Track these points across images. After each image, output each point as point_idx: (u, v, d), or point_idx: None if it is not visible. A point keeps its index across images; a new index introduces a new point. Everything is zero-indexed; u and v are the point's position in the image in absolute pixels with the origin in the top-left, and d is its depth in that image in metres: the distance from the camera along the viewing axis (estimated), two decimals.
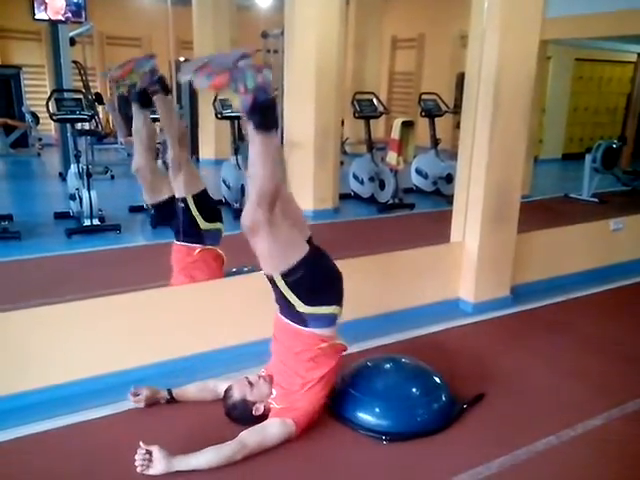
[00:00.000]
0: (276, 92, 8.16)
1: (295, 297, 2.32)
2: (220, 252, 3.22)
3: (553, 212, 5.80)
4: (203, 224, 3.07)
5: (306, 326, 2.36)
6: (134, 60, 2.91)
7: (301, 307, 2.34)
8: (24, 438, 2.37)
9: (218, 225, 3.17)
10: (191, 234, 3.09)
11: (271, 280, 2.34)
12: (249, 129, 2.07)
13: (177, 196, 3.07)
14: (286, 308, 2.39)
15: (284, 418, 2.30)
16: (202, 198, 3.10)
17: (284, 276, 2.29)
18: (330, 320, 2.40)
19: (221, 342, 3.08)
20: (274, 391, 2.42)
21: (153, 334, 2.96)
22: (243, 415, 2.40)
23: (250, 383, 2.42)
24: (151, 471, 2.12)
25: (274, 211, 2.18)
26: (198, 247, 3.12)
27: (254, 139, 2.07)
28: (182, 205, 3.05)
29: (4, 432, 2.39)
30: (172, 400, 2.58)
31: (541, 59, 5.19)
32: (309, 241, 2.47)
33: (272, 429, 2.28)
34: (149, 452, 2.13)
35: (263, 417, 2.37)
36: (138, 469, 2.11)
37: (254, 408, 2.38)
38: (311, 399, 2.38)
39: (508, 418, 2.62)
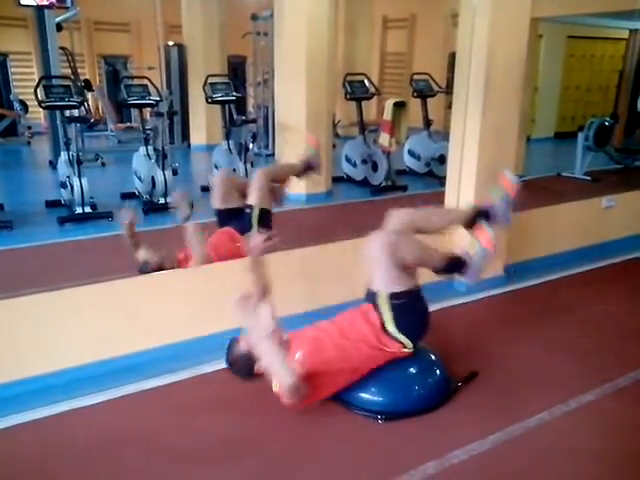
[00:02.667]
0: (267, 75, 8.13)
1: (390, 317, 2.43)
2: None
3: (546, 191, 5.80)
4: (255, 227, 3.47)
5: (385, 333, 2.46)
6: None
7: (390, 326, 2.44)
8: (19, 426, 2.38)
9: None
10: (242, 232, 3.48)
11: (374, 297, 2.46)
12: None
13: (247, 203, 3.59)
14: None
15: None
16: (265, 214, 3.58)
17: (391, 297, 2.42)
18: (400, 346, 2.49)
19: (214, 328, 3.08)
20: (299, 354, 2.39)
21: (147, 320, 2.96)
22: (244, 368, 2.40)
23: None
24: (247, 319, 2.27)
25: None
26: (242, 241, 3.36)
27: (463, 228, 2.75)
28: (248, 211, 3.55)
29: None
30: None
31: (532, 37, 5.16)
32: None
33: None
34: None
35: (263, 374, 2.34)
36: (235, 304, 2.26)
37: (257, 364, 2.33)
38: (329, 381, 2.40)
39: (501, 395, 2.65)
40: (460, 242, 2.80)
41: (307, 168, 3.93)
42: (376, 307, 2.47)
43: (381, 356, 2.48)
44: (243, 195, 3.66)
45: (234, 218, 3.58)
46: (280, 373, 2.21)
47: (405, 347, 2.49)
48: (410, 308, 2.48)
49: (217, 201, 3.61)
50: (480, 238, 2.66)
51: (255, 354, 2.31)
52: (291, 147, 5.74)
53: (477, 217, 2.72)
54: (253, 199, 3.56)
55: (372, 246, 2.42)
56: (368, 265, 2.47)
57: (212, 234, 3.45)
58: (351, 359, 2.43)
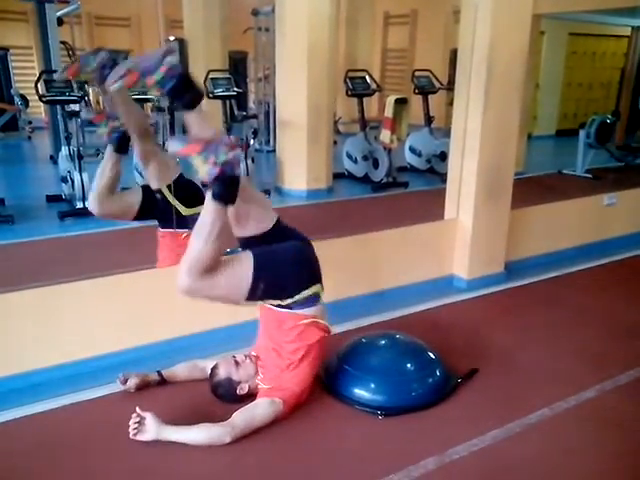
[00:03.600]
0: (268, 71, 8.11)
1: (272, 301, 2.35)
2: None
3: (547, 188, 5.79)
4: (185, 210, 2.96)
5: (290, 309, 2.36)
6: (80, 57, 2.74)
7: (282, 302, 2.35)
8: (16, 420, 2.38)
9: (199, 209, 3.03)
10: (175, 221, 2.98)
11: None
12: (207, 198, 2.17)
13: (153, 188, 2.96)
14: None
15: (272, 397, 2.32)
16: (178, 185, 2.96)
17: (250, 299, 2.30)
18: (312, 300, 2.38)
19: (215, 323, 3.09)
20: (261, 372, 2.44)
21: (148, 315, 2.97)
22: (227, 393, 2.42)
23: (236, 362, 2.44)
24: (142, 436, 2.18)
25: (206, 274, 2.17)
26: (185, 232, 2.96)
27: (207, 207, 2.17)
28: (159, 196, 2.95)
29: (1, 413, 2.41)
30: (163, 382, 2.59)
31: (534, 34, 5.15)
32: (250, 240, 2.40)
33: (260, 409, 2.29)
34: (142, 418, 2.19)
35: (247, 397, 2.39)
36: (130, 434, 2.17)
37: (239, 387, 2.40)
38: (298, 379, 2.39)
39: (502, 392, 2.65)
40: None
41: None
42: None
43: (304, 332, 2.37)
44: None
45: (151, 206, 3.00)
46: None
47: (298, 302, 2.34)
48: (273, 280, 2.31)
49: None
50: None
51: (234, 379, 2.37)
52: (292, 143, 5.75)
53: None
54: (153, 183, 2.96)
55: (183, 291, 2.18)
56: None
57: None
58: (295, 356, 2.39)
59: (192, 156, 2.12)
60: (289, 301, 2.34)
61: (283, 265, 2.36)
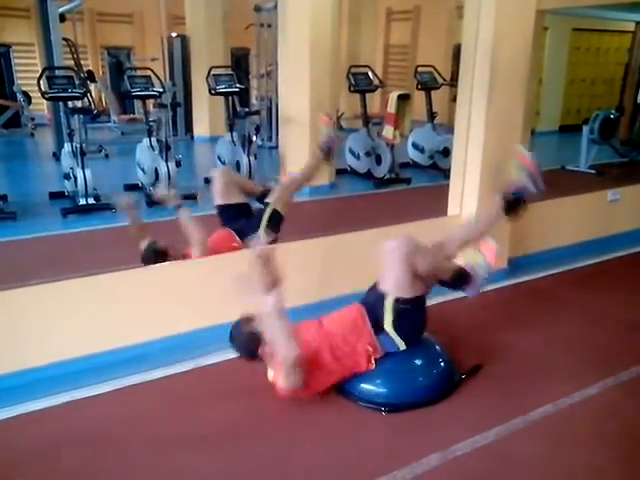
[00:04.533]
0: (270, 67, 8.10)
1: (391, 319, 2.48)
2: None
3: (550, 184, 5.74)
4: (262, 231, 3.42)
5: (377, 335, 2.50)
6: None
7: (388, 326, 2.49)
8: (23, 415, 2.39)
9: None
10: (245, 234, 3.37)
11: (379, 296, 2.50)
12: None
13: (268, 200, 3.54)
14: (373, 315, 2.53)
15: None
16: (274, 217, 3.50)
17: (397, 301, 2.46)
18: (391, 346, 2.52)
19: (216, 319, 3.08)
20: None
21: (151, 311, 2.97)
22: (246, 344, 2.42)
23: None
24: (249, 295, 2.29)
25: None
26: (238, 245, 3.38)
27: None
28: (262, 207, 3.54)
29: (2, 410, 2.42)
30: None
31: (538, 30, 5.11)
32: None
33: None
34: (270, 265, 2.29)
35: (260, 359, 2.42)
36: (238, 283, 2.28)
37: (262, 347, 2.38)
38: (321, 369, 2.41)
39: (505, 388, 2.65)
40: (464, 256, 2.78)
41: (328, 151, 3.87)
42: (374, 308, 2.52)
43: (365, 361, 2.49)
44: (244, 192, 3.63)
45: (236, 214, 3.54)
46: (283, 345, 2.24)
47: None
48: (412, 315, 2.54)
49: (217, 196, 3.56)
50: (485, 252, 2.71)
51: (260, 334, 2.34)
52: (295, 140, 5.74)
53: (512, 200, 2.75)
54: (272, 197, 3.54)
55: (390, 251, 2.45)
56: (383, 266, 2.51)
57: (213, 231, 3.43)
58: (342, 364, 2.46)
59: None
60: (392, 333, 2.50)
61: (423, 321, 2.65)
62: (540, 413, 2.44)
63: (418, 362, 2.60)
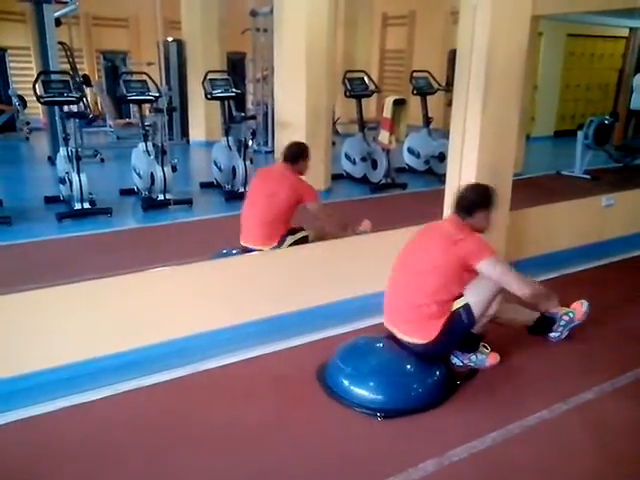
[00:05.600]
0: (266, 72, 8.11)
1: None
2: None
3: (545, 189, 5.80)
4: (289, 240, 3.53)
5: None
6: None
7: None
8: (17, 422, 2.38)
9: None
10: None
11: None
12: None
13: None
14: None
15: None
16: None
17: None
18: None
19: (216, 324, 3.08)
20: None
21: (147, 316, 2.96)
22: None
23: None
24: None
25: None
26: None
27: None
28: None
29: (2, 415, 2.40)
30: None
31: (533, 35, 5.14)
32: None
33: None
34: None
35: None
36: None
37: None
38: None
39: (501, 393, 2.64)
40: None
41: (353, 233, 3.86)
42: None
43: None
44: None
45: None
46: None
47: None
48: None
49: None
50: (577, 310, 3.07)
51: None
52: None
53: (540, 323, 3.06)
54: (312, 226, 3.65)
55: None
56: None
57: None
58: None
59: None
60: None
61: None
62: (536, 418, 2.43)
63: (414, 367, 2.60)
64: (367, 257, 3.59)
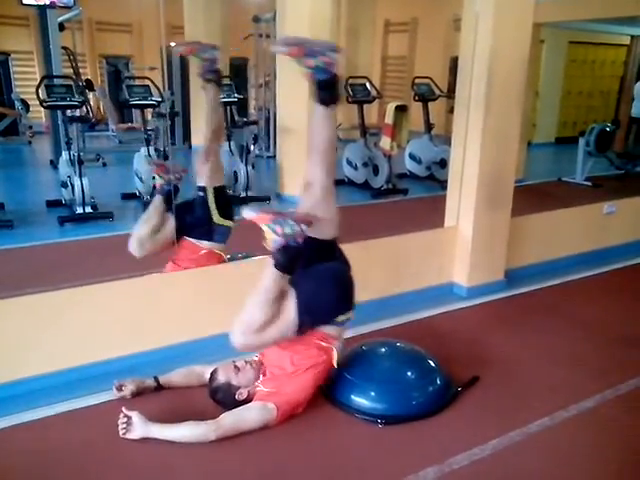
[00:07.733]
0: (268, 77, 8.13)
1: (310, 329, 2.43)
2: (223, 257, 3.24)
3: (547, 196, 5.80)
4: (217, 218, 3.15)
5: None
6: (198, 44, 3.19)
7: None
8: (15, 427, 2.37)
9: (229, 223, 3.22)
10: (202, 230, 3.16)
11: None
12: (268, 265, 2.30)
13: (198, 184, 3.15)
14: None
15: (266, 402, 2.33)
16: (221, 193, 3.21)
17: (300, 334, 2.39)
18: (340, 324, 2.48)
19: (212, 330, 3.07)
20: (263, 373, 2.46)
21: (146, 321, 2.95)
22: (226, 398, 2.42)
23: (236, 367, 2.45)
24: (130, 435, 2.23)
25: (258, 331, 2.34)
26: (205, 248, 3.17)
27: (267, 274, 2.31)
28: (201, 195, 3.15)
29: None
30: (159, 387, 2.60)
31: (534, 42, 5.17)
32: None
33: (251, 412, 2.31)
34: (129, 417, 2.25)
35: (246, 402, 2.39)
36: (120, 433, 2.23)
37: (238, 393, 2.41)
38: (298, 387, 2.39)
39: (502, 400, 2.64)
40: None
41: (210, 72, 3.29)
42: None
43: (316, 349, 2.44)
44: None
45: (179, 214, 3.18)
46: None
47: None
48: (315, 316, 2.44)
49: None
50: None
51: (233, 384, 2.40)
52: (292, 149, 5.75)
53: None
54: (202, 180, 3.16)
55: None
56: None
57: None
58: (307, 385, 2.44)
59: (262, 224, 2.26)
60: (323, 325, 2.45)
61: (326, 303, 2.45)
62: (537, 426, 2.43)
63: (414, 374, 2.59)
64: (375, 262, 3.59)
